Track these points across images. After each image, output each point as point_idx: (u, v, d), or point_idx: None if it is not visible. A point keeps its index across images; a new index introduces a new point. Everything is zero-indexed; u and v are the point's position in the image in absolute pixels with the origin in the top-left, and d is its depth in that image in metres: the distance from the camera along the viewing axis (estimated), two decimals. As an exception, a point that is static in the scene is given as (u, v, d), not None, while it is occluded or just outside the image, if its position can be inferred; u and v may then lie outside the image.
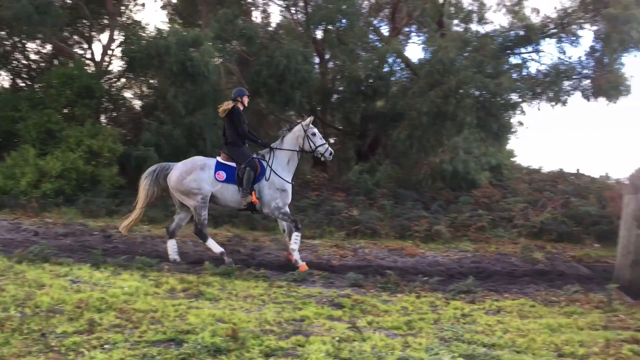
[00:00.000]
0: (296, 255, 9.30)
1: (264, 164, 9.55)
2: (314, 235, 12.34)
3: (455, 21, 19.91)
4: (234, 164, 9.46)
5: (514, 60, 18.41)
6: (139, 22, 18.63)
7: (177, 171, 9.47)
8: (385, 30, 19.54)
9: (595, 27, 17.38)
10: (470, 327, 6.09)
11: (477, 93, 16.10)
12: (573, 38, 17.81)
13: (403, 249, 11.52)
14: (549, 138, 45.14)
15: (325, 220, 13.25)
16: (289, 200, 9.66)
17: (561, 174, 19.70)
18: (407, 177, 16.77)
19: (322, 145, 9.71)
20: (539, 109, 18.53)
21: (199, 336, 5.02)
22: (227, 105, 9.60)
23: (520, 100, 17.68)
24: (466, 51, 16.92)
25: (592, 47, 17.39)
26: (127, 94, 18.34)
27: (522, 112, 18.31)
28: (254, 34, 16.14)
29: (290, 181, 9.63)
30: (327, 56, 18.57)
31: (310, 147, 9.65)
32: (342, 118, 19.63)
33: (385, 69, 17.90)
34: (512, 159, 22.08)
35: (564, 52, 17.96)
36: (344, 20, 17.05)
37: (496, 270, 10.28)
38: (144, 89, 18.25)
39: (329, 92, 18.26)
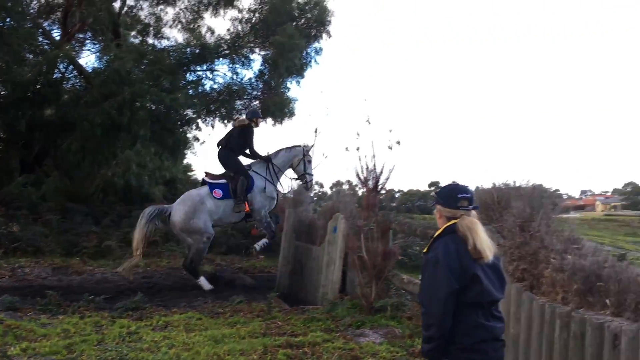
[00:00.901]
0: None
1: (254, 175, 10.09)
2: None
3: (133, 33, 19.67)
4: (224, 181, 9.82)
5: (190, 77, 18.83)
6: None
7: (180, 212, 9.51)
8: (56, 34, 18.36)
9: (264, 52, 18.71)
10: (136, 345, 5.99)
11: (152, 107, 16.04)
12: (245, 60, 18.94)
13: (69, 267, 10.89)
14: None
15: (-22, 237, 11.90)
16: (272, 208, 10.52)
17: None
18: (77, 191, 15.89)
19: (310, 174, 10.53)
20: (213, 127, 19.15)
21: None
22: (244, 121, 10.30)
23: (195, 116, 18.15)
24: (143, 64, 16.74)
25: (260, 71, 18.73)
26: None
27: (198, 127, 18.89)
28: None
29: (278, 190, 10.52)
30: (-13, 56, 16.72)
31: (302, 170, 10.47)
32: (4, 125, 17.76)
33: (56, 75, 16.83)
34: (190, 174, 22.46)
35: (237, 73, 19.02)
36: (8, 19, 15.54)
37: (167, 285, 10.31)
38: None
39: (-12, 96, 16.46)
